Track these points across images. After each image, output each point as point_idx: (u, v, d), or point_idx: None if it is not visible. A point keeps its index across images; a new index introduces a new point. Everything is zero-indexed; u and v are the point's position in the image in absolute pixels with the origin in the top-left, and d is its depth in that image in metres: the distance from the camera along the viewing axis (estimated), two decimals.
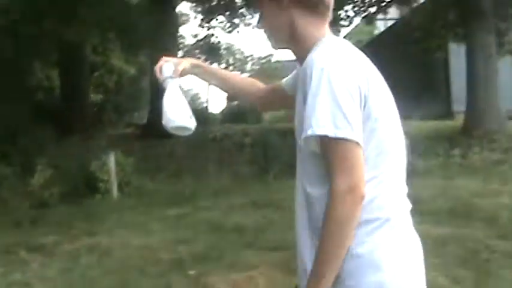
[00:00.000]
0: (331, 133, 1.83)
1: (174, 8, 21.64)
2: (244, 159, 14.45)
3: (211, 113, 38.19)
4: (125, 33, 18.58)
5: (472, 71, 15.34)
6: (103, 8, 17.73)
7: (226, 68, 41.15)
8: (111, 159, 11.26)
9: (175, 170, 13.55)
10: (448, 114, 20.04)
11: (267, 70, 38.67)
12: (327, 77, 1.87)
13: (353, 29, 28.82)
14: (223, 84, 2.71)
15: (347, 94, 1.87)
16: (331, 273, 1.89)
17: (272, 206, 9.68)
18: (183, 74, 2.54)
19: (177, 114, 2.41)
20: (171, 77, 2.51)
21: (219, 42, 24.83)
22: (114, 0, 21.11)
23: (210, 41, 24.36)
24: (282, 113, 33.36)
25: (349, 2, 19.75)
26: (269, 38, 2.29)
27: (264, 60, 41.61)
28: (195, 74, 2.63)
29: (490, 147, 13.53)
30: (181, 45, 28.41)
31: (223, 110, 39.47)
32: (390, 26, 28.00)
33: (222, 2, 21.40)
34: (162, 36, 17.95)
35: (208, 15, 23.70)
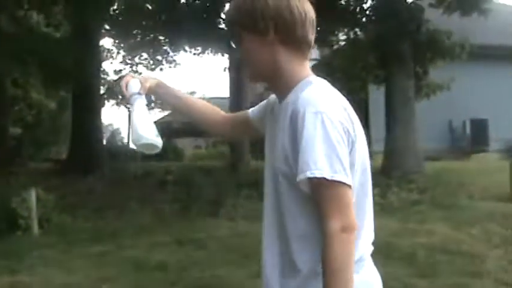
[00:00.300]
0: (329, 176, 1.90)
1: (98, 43, 21.56)
2: (166, 197, 14.39)
3: (132, 149, 37.85)
4: (46, 67, 18.39)
5: (390, 113, 15.79)
6: (25, 41, 17.53)
7: (148, 104, 40.66)
8: (32, 196, 11.07)
9: (97, 207, 13.38)
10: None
11: None
12: (321, 121, 1.94)
13: None
14: (185, 107, 2.70)
15: (340, 139, 1.95)
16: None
17: (195, 244, 9.72)
18: (148, 92, 2.53)
19: (147, 131, 2.36)
20: (138, 94, 2.47)
21: None
22: (35, 33, 20.93)
23: None
24: (204, 152, 33.53)
25: None
26: (247, 69, 2.30)
27: None
28: (158, 94, 2.62)
29: (408, 188, 13.89)
30: (103, 81, 28.18)
31: None
32: (311, 67, 28.50)
33: (147, 38, 21.42)
34: (84, 71, 17.84)
35: (132, 51, 23.71)
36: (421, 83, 16.88)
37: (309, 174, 1.91)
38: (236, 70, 20.57)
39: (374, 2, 17.66)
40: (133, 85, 2.49)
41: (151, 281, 7.57)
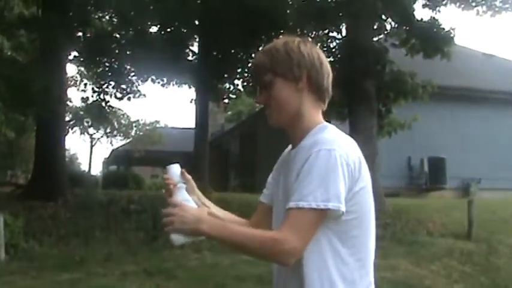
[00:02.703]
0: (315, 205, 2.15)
1: (64, 69, 21.56)
2: (130, 225, 14.44)
3: (93, 176, 37.60)
4: (12, 92, 18.36)
5: None
6: None
7: (110, 132, 40.82)
8: (0, 220, 11.05)
9: (62, 234, 13.35)
10: None
11: (151, 136, 38.72)
12: (334, 157, 2.17)
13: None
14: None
15: (342, 174, 2.18)
16: (229, 240, 2.21)
17: (165, 274, 9.83)
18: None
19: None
20: (178, 182, 2.44)
21: (109, 106, 24.77)
22: (1, 58, 20.85)
23: (98, 104, 24.27)
24: (162, 181, 33.61)
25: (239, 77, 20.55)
26: (271, 114, 2.45)
27: (149, 127, 41.71)
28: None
29: None
30: (68, 107, 28.15)
31: (103, 174, 39.00)
32: None
33: (114, 65, 21.46)
34: (51, 97, 17.81)
35: (98, 79, 23.70)
36: (384, 122, 17.22)
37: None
38: (201, 102, 20.83)
39: (340, 41, 18.08)
40: (175, 172, 2.47)
41: None
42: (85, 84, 29.15)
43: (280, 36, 2.50)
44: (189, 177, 2.55)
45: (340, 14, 16.91)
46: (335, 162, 2.17)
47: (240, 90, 22.14)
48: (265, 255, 2.24)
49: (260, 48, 2.47)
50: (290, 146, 2.53)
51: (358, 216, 2.28)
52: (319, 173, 2.15)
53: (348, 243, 2.28)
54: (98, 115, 26.16)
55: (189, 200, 2.38)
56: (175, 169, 2.48)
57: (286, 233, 2.15)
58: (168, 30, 19.88)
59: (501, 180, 21.58)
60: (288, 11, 17.50)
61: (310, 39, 16.54)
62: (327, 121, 2.45)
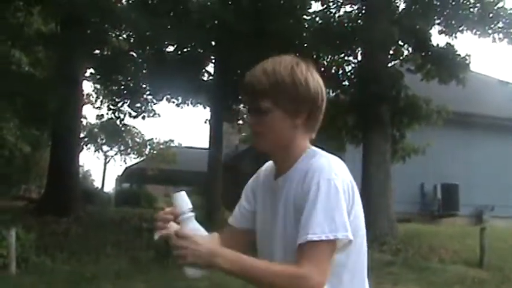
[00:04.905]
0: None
1: (81, 86, 21.71)
2: (142, 243, 14.44)
3: (106, 193, 37.72)
4: (28, 109, 18.49)
5: (367, 175, 15.96)
6: (6, 79, 17.59)
7: (124, 150, 40.82)
8: (12, 234, 11.09)
9: (74, 250, 13.38)
10: None
11: (165, 155, 38.66)
12: (334, 187, 2.14)
13: None
14: None
15: (344, 202, 2.17)
16: (245, 274, 2.15)
17: None
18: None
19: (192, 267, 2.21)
20: (187, 210, 2.27)
21: (123, 125, 24.86)
22: (17, 72, 20.97)
23: (113, 122, 24.37)
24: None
25: None
26: (259, 141, 2.34)
27: (163, 146, 41.62)
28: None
29: (381, 248, 14.11)
30: (83, 125, 28.27)
31: (116, 191, 39.02)
32: None
33: (130, 83, 21.50)
34: (66, 114, 17.92)
35: (112, 97, 23.79)
36: (397, 146, 17.19)
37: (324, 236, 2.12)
38: (216, 122, 20.92)
39: (356, 66, 18.10)
40: (183, 200, 2.30)
41: None
42: (101, 101, 29.18)
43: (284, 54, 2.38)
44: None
45: (356, 38, 16.98)
46: (336, 192, 2.14)
47: None
48: None
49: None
50: (268, 168, 2.49)
51: (356, 241, 2.26)
52: (323, 204, 2.12)
53: (350, 268, 2.31)
54: (113, 133, 26.27)
55: (199, 229, 2.27)
56: (182, 197, 2.30)
57: (310, 268, 2.10)
58: (185, 50, 19.94)
59: None
60: (304, 34, 17.51)
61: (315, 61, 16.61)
62: (318, 146, 2.38)
